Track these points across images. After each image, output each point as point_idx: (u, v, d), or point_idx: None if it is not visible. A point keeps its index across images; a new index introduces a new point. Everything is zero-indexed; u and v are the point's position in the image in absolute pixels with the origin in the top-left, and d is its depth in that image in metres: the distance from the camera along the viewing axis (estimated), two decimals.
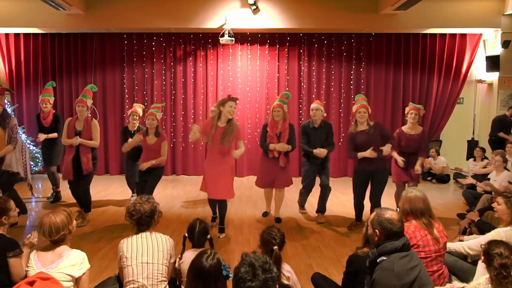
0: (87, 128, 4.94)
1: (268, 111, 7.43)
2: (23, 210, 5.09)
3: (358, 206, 5.12)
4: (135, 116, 5.96)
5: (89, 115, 5.10)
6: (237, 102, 4.74)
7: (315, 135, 5.30)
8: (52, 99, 5.86)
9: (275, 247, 2.55)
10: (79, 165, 4.91)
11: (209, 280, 1.92)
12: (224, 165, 4.63)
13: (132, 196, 6.33)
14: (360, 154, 4.80)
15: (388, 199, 6.36)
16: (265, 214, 5.67)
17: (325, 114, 5.49)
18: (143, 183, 5.16)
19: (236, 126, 4.61)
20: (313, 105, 5.36)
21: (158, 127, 5.16)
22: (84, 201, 5.15)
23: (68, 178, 4.99)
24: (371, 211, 4.85)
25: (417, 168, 5.12)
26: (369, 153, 4.72)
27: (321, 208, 5.50)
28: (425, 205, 2.92)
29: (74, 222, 2.66)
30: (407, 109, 5.34)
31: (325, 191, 5.43)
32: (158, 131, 5.13)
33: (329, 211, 5.85)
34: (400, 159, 5.07)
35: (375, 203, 4.92)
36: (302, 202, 5.90)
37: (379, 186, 4.95)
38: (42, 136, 5.76)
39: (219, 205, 4.85)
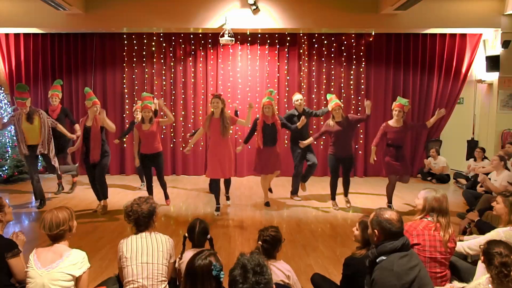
0: (96, 124, 5.51)
1: None
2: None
3: (333, 186, 5.98)
4: (138, 111, 6.49)
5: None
6: (221, 96, 5.55)
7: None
8: (60, 95, 6.43)
9: (259, 242, 2.73)
10: (88, 156, 5.56)
11: (196, 279, 1.93)
12: (225, 149, 5.51)
13: (141, 185, 7.06)
14: (306, 142, 5.92)
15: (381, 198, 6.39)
16: (267, 204, 6.11)
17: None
18: (148, 170, 5.79)
19: (228, 114, 5.48)
20: (298, 96, 6.26)
21: (153, 116, 5.77)
22: (100, 190, 5.74)
23: (82, 168, 5.77)
24: (344, 187, 5.96)
25: (435, 117, 5.64)
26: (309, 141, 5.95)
27: (304, 179, 6.43)
28: (447, 206, 2.98)
29: (75, 222, 2.67)
30: (393, 104, 5.75)
31: (312, 169, 6.28)
32: (152, 118, 5.76)
33: (329, 211, 5.87)
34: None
35: (345, 180, 5.92)
36: (295, 188, 6.46)
37: (347, 169, 5.91)
38: (75, 134, 6.41)
39: (225, 181, 5.83)
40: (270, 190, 6.47)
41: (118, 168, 8.54)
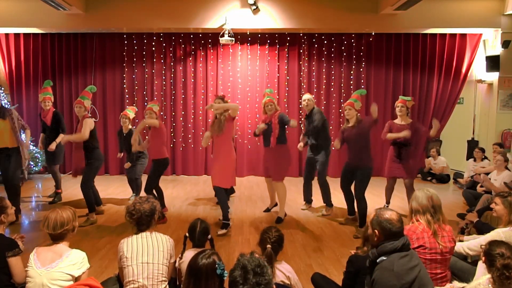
0: (81, 127, 5.01)
1: None
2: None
3: (347, 199, 5.27)
4: (124, 119, 5.95)
5: (89, 114, 5.15)
6: (224, 98, 5.04)
7: (308, 122, 5.61)
8: (52, 98, 5.98)
9: (268, 246, 2.63)
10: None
11: (200, 277, 1.93)
12: (223, 154, 4.90)
13: (132, 195, 6.30)
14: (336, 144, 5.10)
15: (381, 198, 6.38)
16: (266, 210, 5.82)
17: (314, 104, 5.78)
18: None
19: (224, 116, 4.80)
20: (306, 96, 5.67)
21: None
22: (85, 200, 5.15)
23: (74, 175, 5.23)
24: (357, 205, 5.06)
25: (434, 130, 5.21)
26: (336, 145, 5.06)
27: (327, 202, 5.75)
28: (433, 204, 2.84)
29: (77, 223, 2.68)
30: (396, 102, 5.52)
31: (322, 188, 5.68)
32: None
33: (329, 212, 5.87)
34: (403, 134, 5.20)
35: (358, 198, 4.98)
36: (305, 196, 5.98)
37: (360, 182, 4.96)
38: (53, 145, 5.76)
39: (215, 195, 5.02)
40: (275, 205, 5.76)
41: (118, 168, 8.53)
